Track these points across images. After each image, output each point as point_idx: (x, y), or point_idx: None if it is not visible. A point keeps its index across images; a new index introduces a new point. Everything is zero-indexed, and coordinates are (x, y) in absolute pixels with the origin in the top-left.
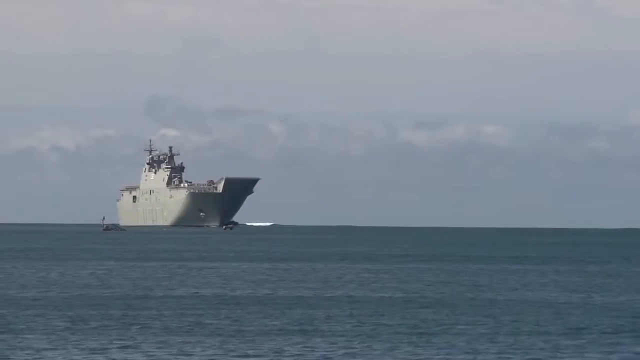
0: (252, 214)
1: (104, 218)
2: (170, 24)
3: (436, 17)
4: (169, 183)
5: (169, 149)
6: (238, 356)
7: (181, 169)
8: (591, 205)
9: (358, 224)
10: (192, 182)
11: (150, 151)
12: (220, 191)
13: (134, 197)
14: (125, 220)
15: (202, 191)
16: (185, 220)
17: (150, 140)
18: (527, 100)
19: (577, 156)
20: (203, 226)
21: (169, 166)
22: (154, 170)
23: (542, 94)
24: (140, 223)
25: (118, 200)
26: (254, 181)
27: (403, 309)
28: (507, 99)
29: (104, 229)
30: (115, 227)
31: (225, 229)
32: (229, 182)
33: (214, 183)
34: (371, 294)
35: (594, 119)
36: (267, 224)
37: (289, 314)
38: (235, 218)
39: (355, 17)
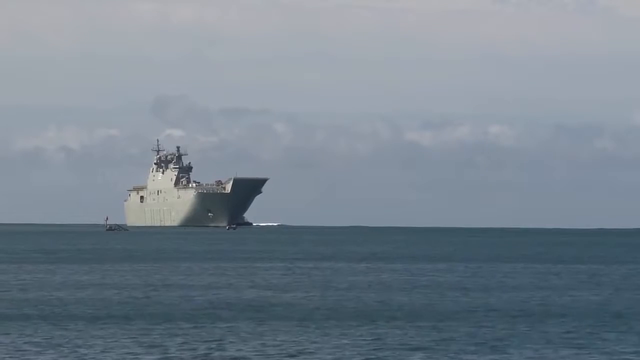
0: (257, 214)
1: (107, 218)
2: (177, 25)
3: (442, 18)
4: (176, 183)
5: (176, 149)
6: None
7: (189, 169)
8: (598, 205)
9: (365, 224)
10: (200, 182)
11: (158, 151)
12: (229, 191)
13: (142, 198)
14: (132, 220)
15: (211, 191)
16: (193, 220)
17: (157, 140)
18: (534, 100)
19: (583, 156)
20: (211, 226)
21: (177, 166)
22: (161, 170)
23: (549, 94)
24: (148, 223)
25: (125, 201)
26: (262, 181)
27: None
28: (514, 99)
29: (107, 229)
30: (119, 228)
31: (229, 229)
32: (238, 182)
33: (222, 183)
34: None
35: (600, 119)
36: (274, 224)
37: None
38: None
39: (361, 18)
